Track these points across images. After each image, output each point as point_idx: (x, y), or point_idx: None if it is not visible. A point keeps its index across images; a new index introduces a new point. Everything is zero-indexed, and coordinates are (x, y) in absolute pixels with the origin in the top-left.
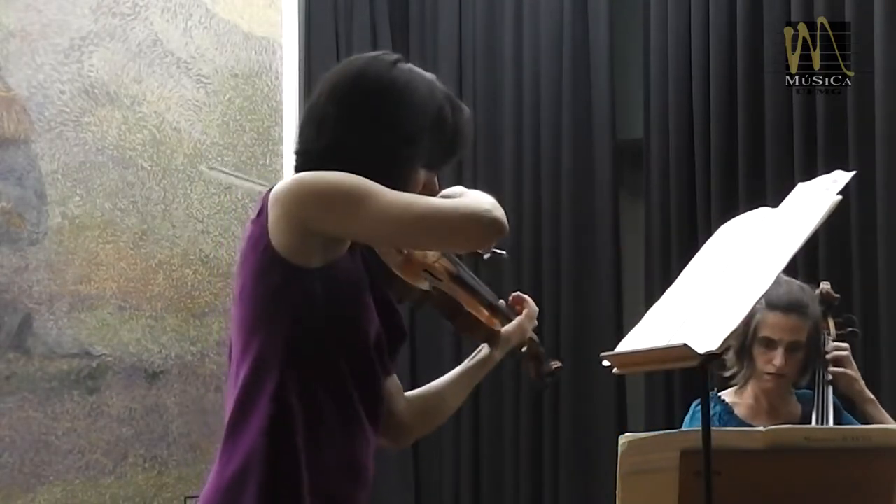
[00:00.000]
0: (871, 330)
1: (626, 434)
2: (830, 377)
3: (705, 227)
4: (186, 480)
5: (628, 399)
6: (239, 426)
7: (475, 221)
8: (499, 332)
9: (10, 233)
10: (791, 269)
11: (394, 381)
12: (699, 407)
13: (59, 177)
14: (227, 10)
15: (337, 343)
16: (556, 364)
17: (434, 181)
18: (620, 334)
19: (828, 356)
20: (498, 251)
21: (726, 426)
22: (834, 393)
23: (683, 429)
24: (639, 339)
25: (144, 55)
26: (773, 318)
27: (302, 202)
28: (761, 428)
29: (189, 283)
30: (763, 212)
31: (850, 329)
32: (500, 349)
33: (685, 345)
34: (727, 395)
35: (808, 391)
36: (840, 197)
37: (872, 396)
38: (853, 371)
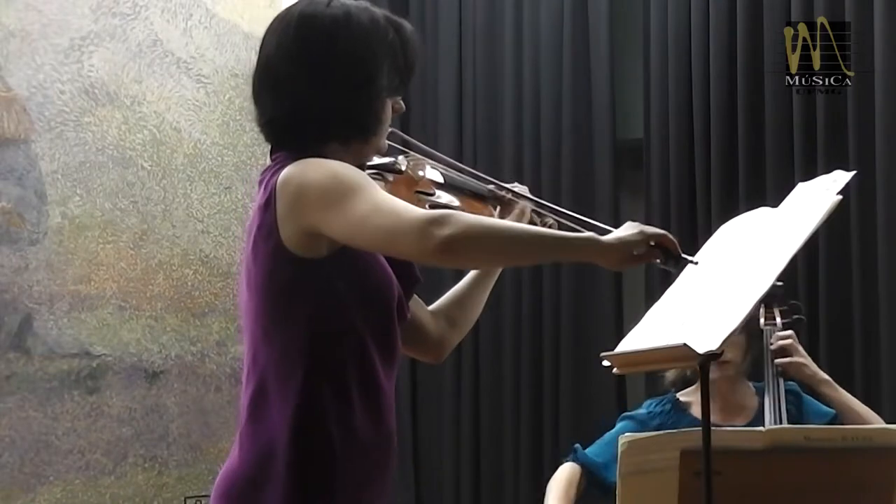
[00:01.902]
0: (871, 329)
1: (626, 434)
2: (780, 368)
3: (705, 227)
4: (186, 480)
5: (628, 399)
6: (262, 415)
7: (409, 235)
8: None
9: (10, 233)
10: (791, 269)
11: (417, 305)
12: (620, 422)
13: (59, 177)
14: (227, 10)
15: (360, 322)
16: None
17: (400, 103)
18: (620, 334)
19: (772, 347)
20: (688, 258)
21: (675, 425)
22: (789, 379)
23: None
24: (639, 339)
25: (144, 55)
26: None
27: (301, 204)
28: (761, 428)
29: (189, 283)
30: (763, 212)
31: (795, 316)
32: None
33: (685, 345)
34: (683, 395)
35: (764, 382)
36: (840, 197)
37: (826, 377)
38: (801, 357)
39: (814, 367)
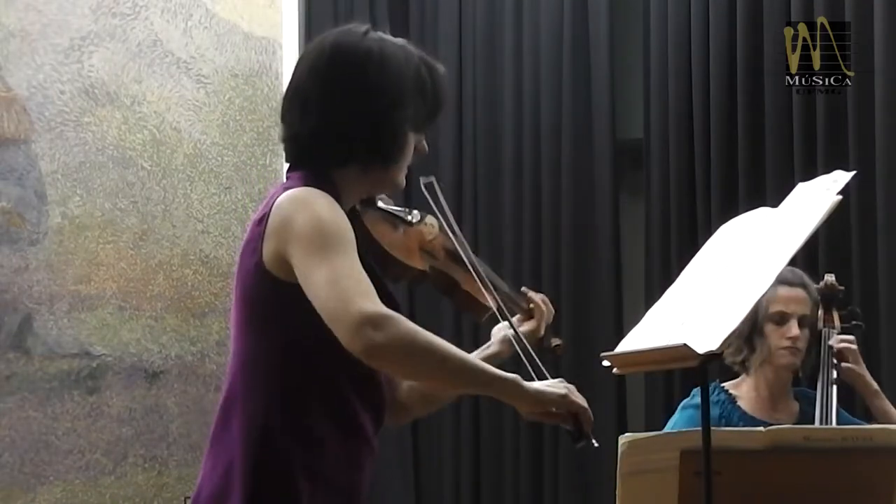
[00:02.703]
0: (871, 329)
1: (626, 434)
2: (836, 374)
3: (705, 227)
4: (186, 480)
5: (628, 399)
6: (222, 436)
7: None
8: (492, 312)
9: (10, 233)
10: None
11: None
12: (683, 410)
13: (59, 177)
14: (227, 10)
15: (329, 353)
16: (556, 341)
17: (423, 143)
18: (620, 334)
19: (834, 348)
20: (592, 442)
21: (730, 416)
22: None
23: (679, 427)
24: (639, 339)
25: (144, 55)
26: (784, 291)
27: (284, 234)
28: (761, 428)
29: (189, 283)
30: (763, 212)
31: (854, 322)
32: (508, 349)
33: (685, 345)
34: (730, 387)
35: (806, 390)
36: (840, 197)
37: (877, 388)
38: (859, 366)
39: (869, 376)
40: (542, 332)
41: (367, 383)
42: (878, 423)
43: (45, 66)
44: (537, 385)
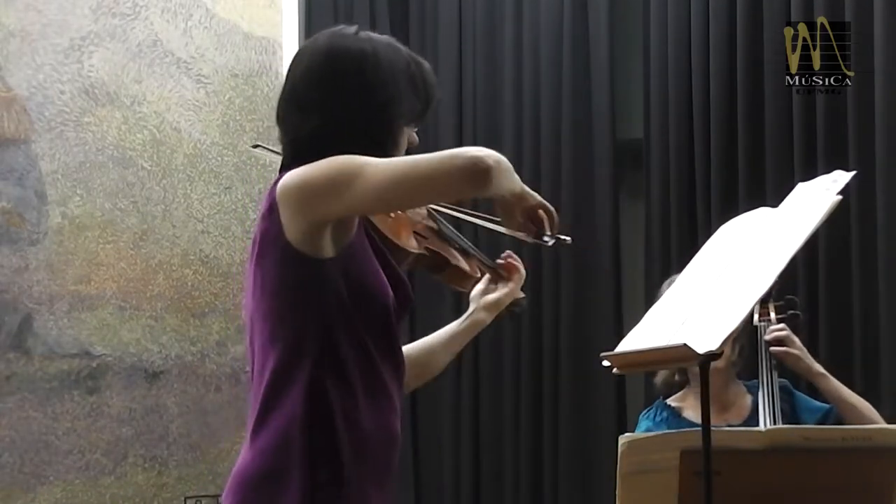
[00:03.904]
0: (871, 330)
1: (626, 434)
2: (775, 361)
3: (705, 227)
4: (186, 480)
5: (628, 399)
6: (271, 412)
7: (448, 168)
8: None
9: (10, 233)
10: (791, 269)
11: None
12: (646, 415)
13: (59, 177)
14: (227, 10)
15: (364, 323)
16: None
17: (414, 136)
18: (620, 334)
19: (766, 338)
20: (562, 238)
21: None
22: (781, 374)
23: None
24: (639, 339)
25: (144, 55)
26: None
27: (305, 200)
28: (761, 428)
29: (189, 283)
30: (763, 212)
31: (791, 312)
32: (488, 313)
33: (685, 345)
34: (673, 401)
35: (756, 381)
36: (840, 197)
37: (822, 370)
38: (796, 349)
39: (809, 359)
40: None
41: (392, 346)
42: (832, 404)
43: (45, 66)
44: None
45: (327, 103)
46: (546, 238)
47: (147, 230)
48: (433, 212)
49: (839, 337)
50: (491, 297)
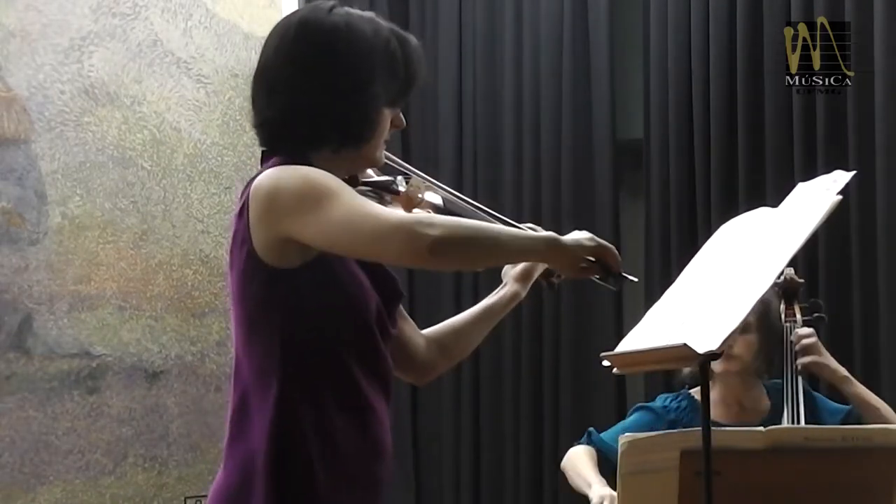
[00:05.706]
0: (871, 329)
1: (626, 434)
2: (799, 367)
3: (705, 227)
4: (186, 480)
5: (628, 399)
6: (243, 429)
7: (398, 236)
8: None
9: (10, 233)
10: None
11: (407, 324)
12: (635, 412)
13: (59, 177)
14: (227, 10)
15: (336, 335)
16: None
17: (400, 117)
18: (620, 334)
19: (795, 346)
20: (629, 277)
21: (688, 423)
22: (804, 378)
23: (629, 427)
24: (639, 339)
25: (144, 55)
26: None
27: (272, 210)
28: (761, 428)
29: (189, 283)
30: (763, 212)
31: (816, 314)
32: (521, 284)
33: (685, 345)
34: (697, 393)
35: (777, 381)
36: (840, 197)
37: (846, 373)
38: (822, 356)
39: (834, 363)
40: None
41: (373, 356)
42: (854, 406)
43: (45, 66)
44: (570, 236)
45: (296, 83)
46: (610, 282)
47: (147, 230)
48: (435, 189)
49: (839, 337)
50: (518, 267)
